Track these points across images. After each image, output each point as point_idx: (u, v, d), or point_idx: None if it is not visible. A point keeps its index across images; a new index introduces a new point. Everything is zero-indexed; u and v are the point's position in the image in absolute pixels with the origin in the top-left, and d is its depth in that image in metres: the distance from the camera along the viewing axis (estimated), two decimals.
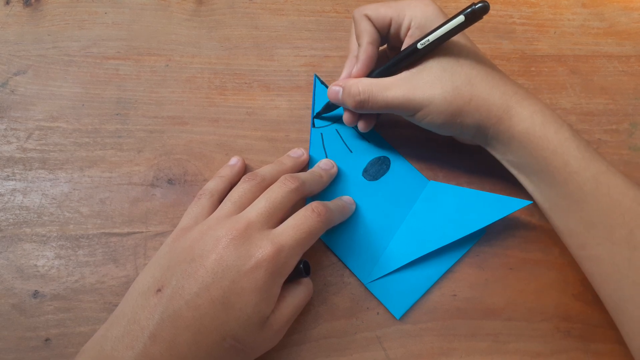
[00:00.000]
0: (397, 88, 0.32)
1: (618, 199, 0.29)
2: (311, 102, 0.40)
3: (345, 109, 0.36)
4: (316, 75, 0.40)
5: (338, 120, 0.39)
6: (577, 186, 0.29)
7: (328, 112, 0.39)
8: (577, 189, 0.29)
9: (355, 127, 0.39)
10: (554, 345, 0.34)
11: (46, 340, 0.32)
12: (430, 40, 0.31)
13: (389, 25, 0.34)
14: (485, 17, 0.39)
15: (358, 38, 0.35)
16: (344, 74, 0.36)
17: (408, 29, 0.33)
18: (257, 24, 0.43)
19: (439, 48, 0.32)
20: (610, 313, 0.31)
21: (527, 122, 0.31)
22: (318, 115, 0.39)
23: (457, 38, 0.32)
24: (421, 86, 0.32)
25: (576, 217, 0.30)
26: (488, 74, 0.32)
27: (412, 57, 0.32)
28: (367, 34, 0.34)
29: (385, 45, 0.38)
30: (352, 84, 0.34)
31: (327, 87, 0.40)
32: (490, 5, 0.44)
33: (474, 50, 0.33)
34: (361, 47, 0.34)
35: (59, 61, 0.40)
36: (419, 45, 0.31)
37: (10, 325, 0.33)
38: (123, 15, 0.42)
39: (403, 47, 0.33)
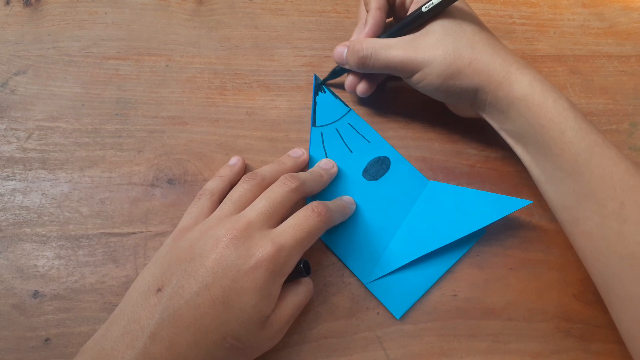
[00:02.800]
0: (399, 48, 0.34)
1: (611, 171, 0.29)
2: (311, 102, 0.40)
3: (349, 73, 0.38)
4: (316, 75, 0.40)
5: (340, 112, 0.39)
6: (571, 157, 0.29)
7: (333, 77, 0.40)
8: (572, 160, 0.29)
9: (356, 123, 0.39)
10: (554, 345, 0.34)
11: (46, 340, 0.32)
12: (435, 3, 0.32)
13: None
14: (485, 17, 0.39)
15: (366, 5, 0.36)
16: (352, 39, 0.37)
17: None
18: (257, 24, 0.43)
19: (444, 14, 0.33)
20: (601, 294, 0.31)
21: (527, 89, 0.31)
22: (324, 82, 0.40)
23: (461, 5, 0.34)
24: (423, 47, 0.33)
25: (570, 189, 0.30)
26: (490, 41, 0.33)
27: (417, 22, 0.34)
28: (376, 0, 0.35)
29: (392, 18, 0.39)
30: (357, 42, 0.35)
31: (327, 87, 0.40)
32: (490, 5, 0.45)
33: (477, 19, 0.34)
34: (369, 13, 0.35)
35: (59, 61, 0.40)
36: (424, 9, 0.33)
37: (10, 325, 0.33)
38: (123, 15, 0.42)
39: (409, 13, 0.34)
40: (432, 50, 0.32)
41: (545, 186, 0.32)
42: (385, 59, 0.34)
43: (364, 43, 0.34)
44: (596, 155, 0.29)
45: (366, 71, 0.36)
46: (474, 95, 0.33)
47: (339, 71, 0.39)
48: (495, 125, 0.34)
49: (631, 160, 0.30)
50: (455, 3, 0.33)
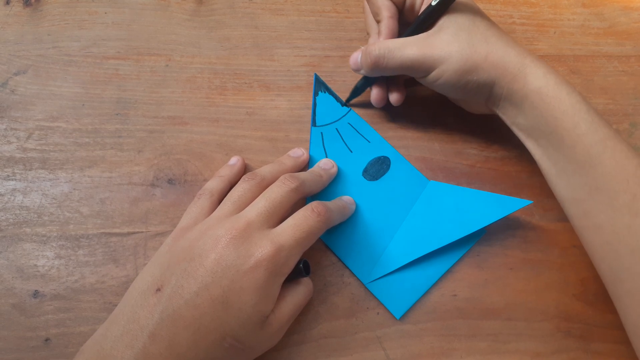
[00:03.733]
0: (414, 46, 0.33)
1: (623, 164, 0.29)
2: (311, 102, 0.40)
3: (372, 87, 0.38)
4: (316, 75, 0.40)
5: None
6: (584, 149, 0.29)
7: (355, 96, 0.39)
8: (584, 152, 0.29)
9: (356, 123, 0.39)
10: (554, 345, 0.34)
11: (46, 340, 0.32)
12: None
13: None
14: None
15: (376, 15, 0.36)
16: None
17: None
18: (257, 24, 0.43)
19: (453, 11, 0.33)
20: (608, 289, 0.31)
21: (541, 80, 0.31)
22: (347, 102, 0.40)
23: (469, 2, 0.34)
24: (438, 44, 0.33)
25: (581, 182, 0.30)
26: (502, 34, 0.33)
27: (429, 20, 0.34)
28: (386, 8, 0.35)
29: None
30: (370, 45, 0.35)
31: (329, 90, 0.40)
32: (490, 5, 0.45)
33: (485, 14, 0.35)
34: (382, 22, 0.35)
35: (59, 61, 0.40)
36: (433, 3, 0.33)
37: (10, 325, 0.33)
38: (123, 15, 0.42)
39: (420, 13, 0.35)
40: (448, 47, 0.32)
41: (556, 180, 0.32)
42: (400, 58, 0.34)
43: (377, 44, 0.35)
44: (609, 148, 0.29)
45: (381, 74, 0.36)
46: (490, 89, 0.33)
47: (360, 87, 0.39)
48: (507, 120, 0.34)
49: None
50: (462, 0, 0.33)
